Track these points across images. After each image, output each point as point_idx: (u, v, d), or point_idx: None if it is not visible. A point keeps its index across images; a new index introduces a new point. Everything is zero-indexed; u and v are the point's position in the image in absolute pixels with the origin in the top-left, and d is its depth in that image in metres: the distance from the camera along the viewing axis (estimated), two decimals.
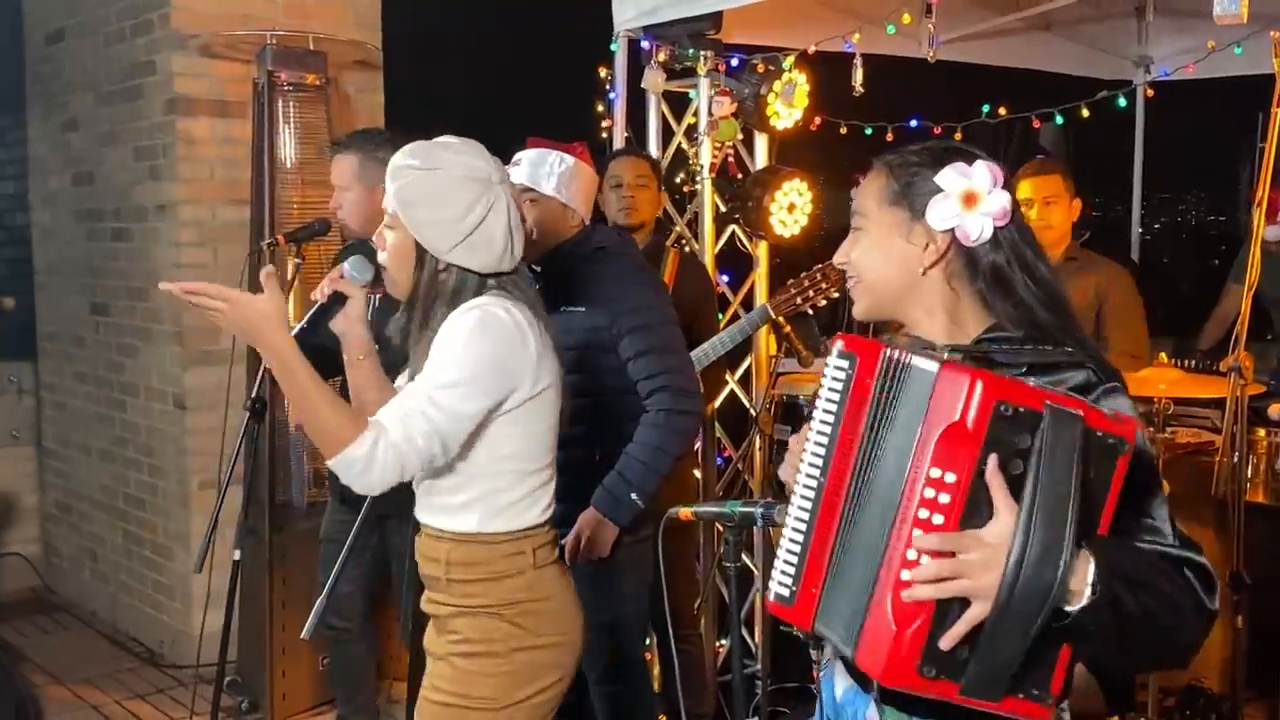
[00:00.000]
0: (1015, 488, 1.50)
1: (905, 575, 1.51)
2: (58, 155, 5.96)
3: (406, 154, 2.37)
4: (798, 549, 1.66)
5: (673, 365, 3.18)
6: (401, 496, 2.46)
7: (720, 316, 4.43)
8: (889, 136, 4.62)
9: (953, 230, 1.75)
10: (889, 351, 1.63)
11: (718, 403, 4.49)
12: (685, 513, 1.93)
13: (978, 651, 1.50)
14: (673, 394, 3.13)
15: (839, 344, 1.70)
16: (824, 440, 1.67)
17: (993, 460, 1.49)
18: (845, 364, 1.67)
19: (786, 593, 1.66)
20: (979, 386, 1.47)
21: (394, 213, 2.36)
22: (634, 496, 3.07)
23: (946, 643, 1.50)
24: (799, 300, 3.95)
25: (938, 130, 4.64)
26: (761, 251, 4.57)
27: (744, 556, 4.76)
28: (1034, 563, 1.47)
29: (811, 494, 1.67)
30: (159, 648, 5.32)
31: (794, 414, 4.24)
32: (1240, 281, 5.56)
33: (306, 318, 2.45)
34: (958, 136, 4.80)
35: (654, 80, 4.39)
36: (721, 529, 2.06)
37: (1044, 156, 4.37)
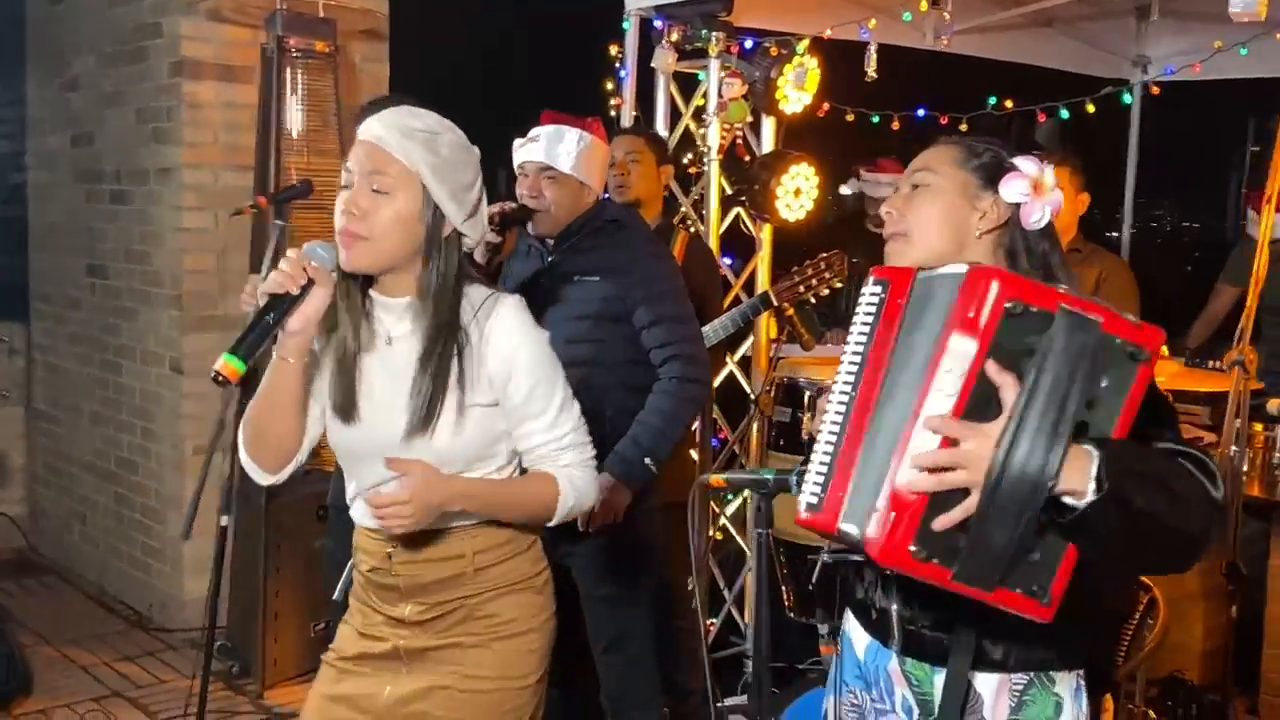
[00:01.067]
0: (1022, 383, 1.56)
1: (907, 462, 1.58)
2: (57, 115, 5.93)
3: (421, 115, 2.17)
4: (828, 459, 1.73)
5: (685, 334, 3.23)
6: None
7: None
8: (895, 125, 4.66)
9: (1017, 206, 1.88)
10: (920, 273, 1.74)
11: (716, 384, 4.51)
12: (716, 479, 1.96)
13: (969, 537, 1.55)
14: (684, 362, 3.17)
15: (871, 274, 1.82)
16: (856, 360, 1.77)
17: (991, 363, 1.57)
18: (879, 289, 1.79)
19: (815, 500, 1.73)
20: (994, 285, 1.55)
21: (415, 174, 2.11)
22: (647, 461, 3.11)
23: (939, 525, 1.56)
24: (802, 288, 3.98)
25: (944, 120, 4.68)
26: (765, 234, 4.60)
27: (738, 538, 4.81)
28: (1023, 453, 1.52)
29: (843, 409, 1.75)
30: (147, 611, 5.32)
31: (794, 396, 4.28)
32: (1232, 282, 5.65)
33: (273, 314, 2.06)
34: (963, 127, 4.85)
35: (665, 60, 4.41)
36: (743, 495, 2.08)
37: (1052, 152, 4.41)
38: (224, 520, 3.78)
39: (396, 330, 2.20)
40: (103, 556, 5.72)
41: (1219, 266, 5.87)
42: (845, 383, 1.77)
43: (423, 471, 2.07)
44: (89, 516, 5.85)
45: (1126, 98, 4.78)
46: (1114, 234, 6.57)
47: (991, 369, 1.56)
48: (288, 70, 4.63)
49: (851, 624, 2.06)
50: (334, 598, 2.36)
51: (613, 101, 4.65)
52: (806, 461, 1.81)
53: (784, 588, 4.46)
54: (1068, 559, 1.58)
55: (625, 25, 4.51)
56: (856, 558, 1.91)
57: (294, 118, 4.68)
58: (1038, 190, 1.89)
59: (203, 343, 5.05)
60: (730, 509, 4.76)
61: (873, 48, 4.22)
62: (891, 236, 1.94)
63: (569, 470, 2.25)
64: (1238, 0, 3.37)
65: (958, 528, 1.56)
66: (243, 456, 2.28)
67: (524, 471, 2.31)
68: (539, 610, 2.32)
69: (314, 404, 2.27)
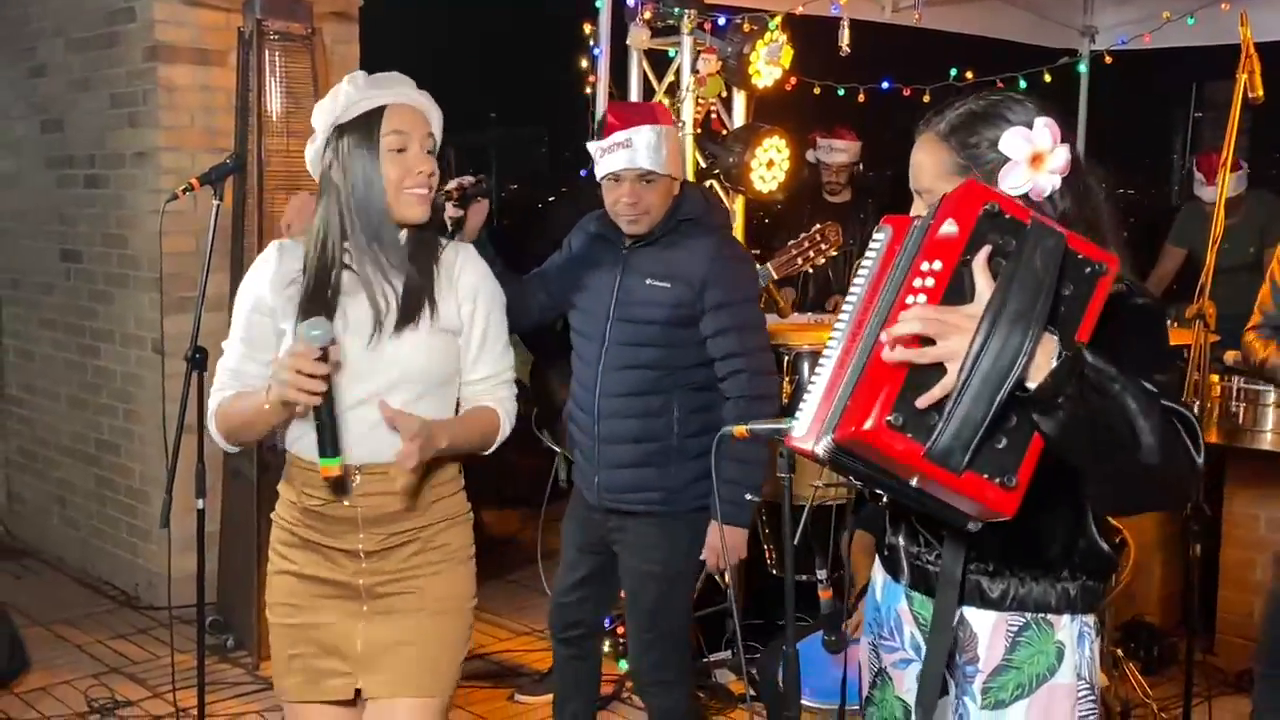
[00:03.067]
0: (995, 277, 1.63)
1: (883, 338, 1.63)
2: (22, 101, 5.93)
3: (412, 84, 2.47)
4: (817, 388, 1.75)
5: (751, 346, 3.19)
6: None
7: None
8: (861, 97, 4.81)
9: (1026, 193, 1.81)
10: (918, 219, 1.76)
11: None
12: (740, 430, 2.07)
13: (945, 413, 1.60)
14: (750, 377, 3.16)
15: (883, 221, 1.82)
16: (854, 300, 1.78)
17: (983, 251, 1.63)
18: (882, 236, 1.81)
19: (802, 428, 1.75)
20: (974, 187, 1.66)
21: (431, 130, 2.44)
22: (748, 496, 3.14)
23: (922, 402, 1.61)
24: (799, 261, 4.11)
25: (907, 92, 4.84)
26: (738, 206, 4.74)
27: None
28: (1001, 334, 1.59)
29: (836, 344, 1.77)
30: (135, 590, 5.39)
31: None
32: (1179, 244, 5.89)
33: (325, 405, 2.24)
34: (926, 99, 5.02)
35: (638, 37, 4.52)
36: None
37: None
38: (199, 504, 3.85)
39: None
40: (85, 538, 5.77)
41: (1158, 231, 6.11)
42: (840, 322, 1.79)
43: (423, 421, 2.30)
44: (68, 500, 5.88)
45: (1081, 67, 4.95)
46: None
47: (972, 259, 1.62)
48: (266, 53, 4.69)
49: (876, 566, 2.13)
50: None
51: (587, 79, 4.76)
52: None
53: (765, 546, 4.63)
54: (1033, 448, 1.65)
55: (598, 3, 4.61)
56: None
57: (273, 100, 4.73)
58: (1036, 164, 1.80)
59: (184, 324, 5.05)
60: None
61: (845, 22, 4.36)
62: None
63: (505, 404, 2.53)
64: None
65: (933, 407, 1.61)
66: (217, 439, 2.53)
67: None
68: (470, 542, 2.57)
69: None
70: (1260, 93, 3.51)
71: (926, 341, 1.62)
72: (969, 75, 4.94)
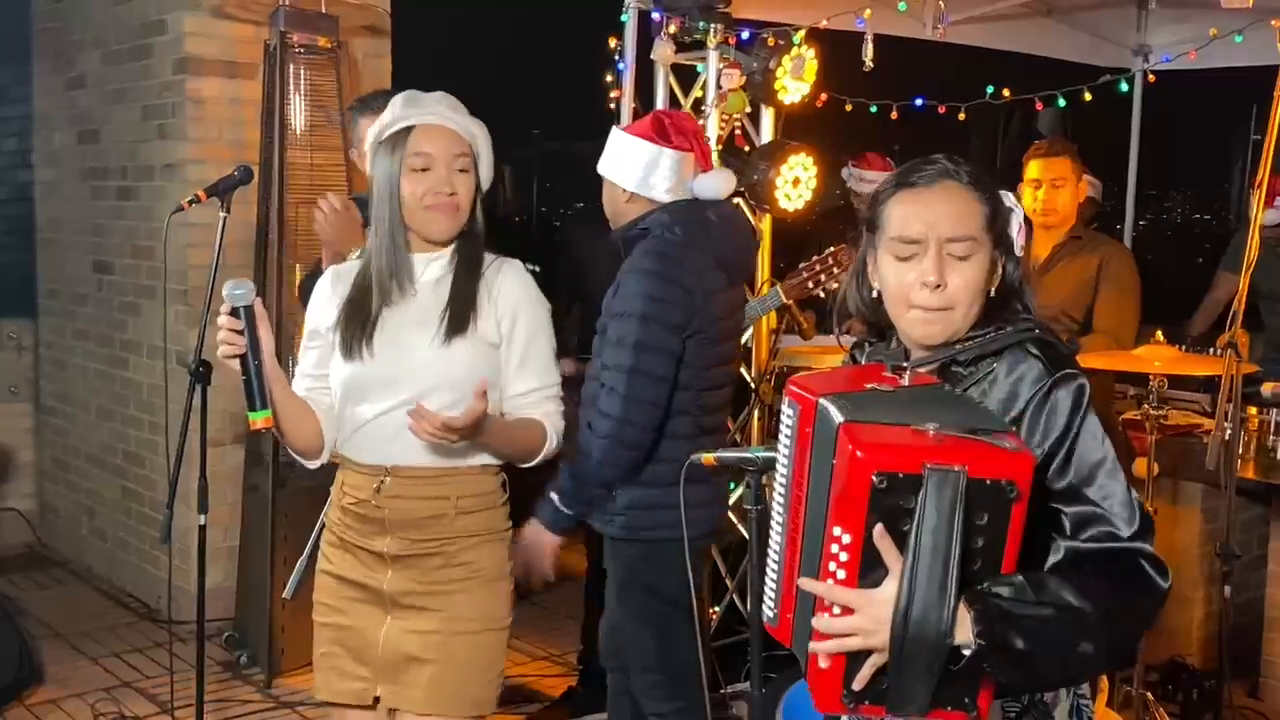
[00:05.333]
0: (904, 544, 1.59)
1: (816, 621, 1.64)
2: (62, 113, 5.98)
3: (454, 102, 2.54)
4: (776, 576, 1.78)
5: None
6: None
7: None
8: (894, 115, 4.69)
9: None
10: (820, 402, 1.68)
11: None
12: (708, 458, 1.99)
13: (890, 686, 1.63)
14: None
15: (787, 394, 1.78)
16: (784, 479, 1.77)
17: (878, 527, 1.59)
18: (791, 412, 1.77)
19: (771, 615, 1.79)
20: (859, 457, 1.57)
21: (472, 148, 2.50)
22: (557, 501, 3.06)
23: (858, 684, 1.64)
24: (810, 284, 4.00)
25: (942, 109, 4.71)
26: (765, 225, 4.63)
27: (740, 526, 4.83)
28: (917, 620, 1.58)
29: (781, 523, 1.77)
30: (156, 603, 5.37)
31: None
32: (1232, 270, 5.64)
33: (250, 367, 2.33)
34: (961, 117, 4.88)
35: (664, 52, 4.43)
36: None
37: (1054, 138, 4.43)
38: (201, 519, 3.81)
39: (425, 276, 2.51)
40: (111, 550, 5.78)
41: (1216, 257, 5.90)
42: (779, 499, 1.78)
43: (484, 406, 2.32)
44: (97, 510, 5.90)
45: (1124, 86, 4.79)
46: (1118, 226, 6.56)
47: (875, 536, 1.59)
48: (291, 66, 4.66)
49: None
50: (284, 595, 2.45)
51: (612, 94, 4.68)
52: None
53: None
54: (986, 678, 1.66)
55: (624, 18, 4.54)
56: None
57: (298, 113, 4.71)
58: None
59: (210, 336, 5.07)
60: (730, 498, 4.78)
61: (869, 37, 4.25)
62: (931, 314, 1.84)
63: (552, 418, 2.54)
64: None
65: (879, 671, 1.63)
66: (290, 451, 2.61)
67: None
68: (505, 561, 2.59)
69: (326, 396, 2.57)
70: None
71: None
72: (1006, 93, 4.79)
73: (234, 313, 2.32)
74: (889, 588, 1.60)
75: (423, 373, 2.44)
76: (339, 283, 2.58)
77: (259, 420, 2.33)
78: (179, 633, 5.08)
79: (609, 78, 4.70)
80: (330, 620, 2.58)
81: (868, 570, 1.61)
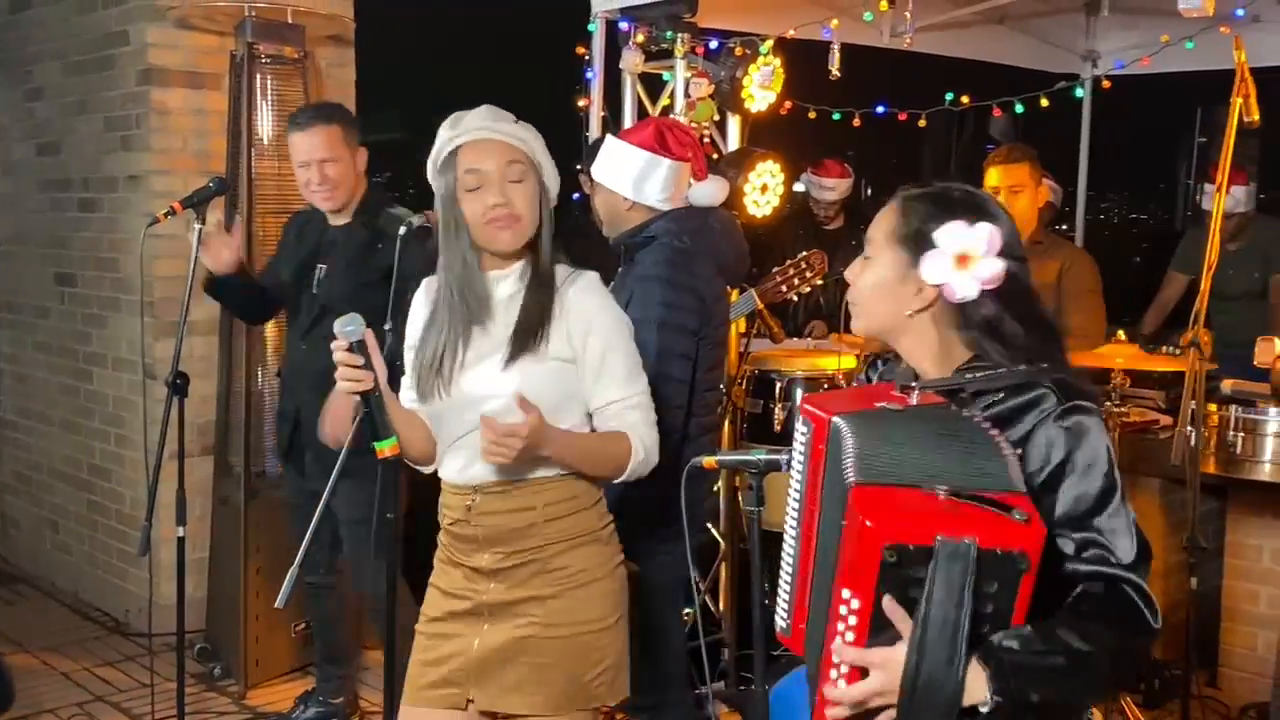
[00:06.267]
0: (914, 610, 1.62)
1: (828, 691, 1.68)
2: (21, 124, 5.92)
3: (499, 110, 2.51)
4: (789, 583, 1.81)
5: None
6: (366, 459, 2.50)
7: None
8: (856, 122, 4.77)
9: (939, 286, 1.85)
10: (834, 421, 1.72)
11: None
12: (709, 461, 2.03)
13: None
14: None
15: (802, 413, 1.83)
16: (798, 492, 1.81)
17: (887, 598, 1.63)
18: (805, 429, 1.82)
19: (784, 624, 1.82)
20: (868, 527, 1.59)
21: (530, 158, 2.46)
22: None
23: None
24: (784, 288, 4.07)
25: (903, 116, 4.80)
26: None
27: (711, 528, 4.89)
28: (926, 684, 1.61)
29: (794, 536, 1.81)
30: (125, 616, 5.34)
31: (766, 388, 4.36)
32: (1181, 270, 5.81)
33: (370, 400, 2.38)
34: (921, 123, 4.98)
35: (631, 61, 4.49)
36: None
37: (1014, 145, 4.51)
38: (180, 531, 3.82)
39: (499, 294, 2.49)
40: (77, 564, 5.73)
41: (1168, 256, 6.02)
42: (792, 510, 1.81)
43: (538, 415, 2.29)
44: (61, 524, 5.85)
45: (1079, 92, 4.90)
46: (1064, 226, 6.71)
47: (885, 607, 1.63)
48: (258, 76, 4.66)
49: None
50: (276, 605, 2.44)
51: (580, 103, 4.73)
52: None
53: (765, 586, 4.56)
54: None
55: (591, 27, 4.59)
56: None
57: (265, 123, 4.71)
58: (962, 263, 1.82)
59: (186, 348, 5.05)
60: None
61: (835, 46, 4.33)
62: (849, 301, 1.98)
63: (638, 429, 2.48)
64: None
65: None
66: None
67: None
68: (607, 560, 2.56)
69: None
70: (1256, 117, 3.46)
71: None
72: (964, 100, 4.90)
73: (350, 348, 2.33)
74: (901, 650, 1.63)
75: (497, 393, 2.43)
76: (429, 293, 2.60)
77: (386, 449, 2.37)
78: (150, 646, 5.05)
79: (577, 86, 4.75)
80: (428, 630, 2.62)
81: (879, 632, 1.64)
